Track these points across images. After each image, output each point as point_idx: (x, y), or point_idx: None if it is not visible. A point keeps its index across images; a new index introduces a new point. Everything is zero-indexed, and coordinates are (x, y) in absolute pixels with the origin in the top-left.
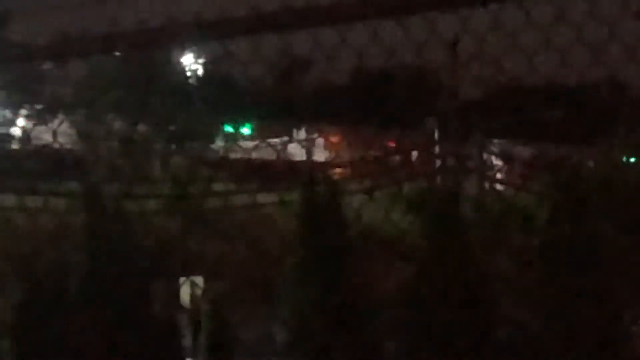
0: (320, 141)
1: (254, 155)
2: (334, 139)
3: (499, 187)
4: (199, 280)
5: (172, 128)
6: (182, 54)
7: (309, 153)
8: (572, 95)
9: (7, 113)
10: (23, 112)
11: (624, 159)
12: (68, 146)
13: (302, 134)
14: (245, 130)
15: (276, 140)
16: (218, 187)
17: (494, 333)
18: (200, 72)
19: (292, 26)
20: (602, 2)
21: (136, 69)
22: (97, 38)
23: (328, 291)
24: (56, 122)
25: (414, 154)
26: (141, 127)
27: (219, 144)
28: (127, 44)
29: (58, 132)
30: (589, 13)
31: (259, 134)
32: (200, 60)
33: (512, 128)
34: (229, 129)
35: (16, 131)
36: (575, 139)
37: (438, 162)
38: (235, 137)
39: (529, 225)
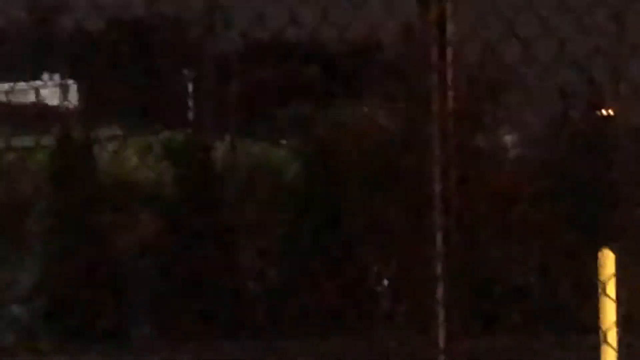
0: (74, 86)
1: (7, 99)
2: (90, 84)
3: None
4: None
5: None
6: None
7: (64, 98)
8: (329, 52)
9: None
10: None
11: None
12: None
13: (56, 78)
14: None
15: (29, 84)
16: None
17: (238, 284)
18: None
19: None
20: None
21: None
22: None
23: (78, 237)
24: None
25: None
26: None
27: None
28: None
29: None
30: None
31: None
32: None
33: (270, 82)
34: None
35: None
36: (329, 96)
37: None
38: None
39: (279, 179)
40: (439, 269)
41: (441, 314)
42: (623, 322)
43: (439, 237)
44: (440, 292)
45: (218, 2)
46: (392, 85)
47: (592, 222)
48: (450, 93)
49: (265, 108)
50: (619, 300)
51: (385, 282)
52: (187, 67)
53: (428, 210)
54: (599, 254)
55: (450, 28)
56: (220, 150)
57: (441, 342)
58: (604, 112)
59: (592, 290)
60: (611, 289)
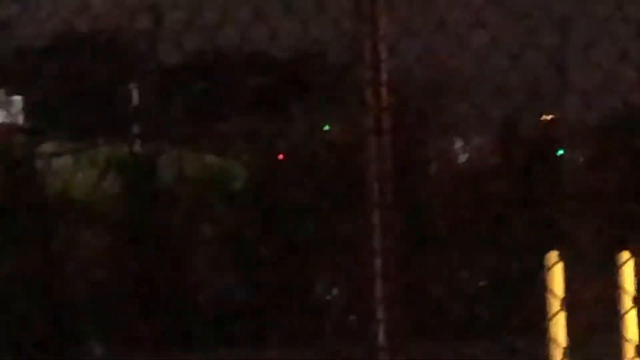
0: (19, 102)
1: None
2: (34, 100)
3: (204, 154)
4: None
5: None
6: None
7: (9, 114)
8: (274, 64)
9: None
10: None
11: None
12: None
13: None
14: None
15: None
16: None
17: (193, 299)
18: None
19: None
20: None
21: None
22: None
23: (23, 252)
24: None
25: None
26: None
27: None
28: None
29: None
30: None
31: None
32: None
33: (226, 94)
34: None
35: None
36: (275, 108)
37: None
38: None
39: (230, 192)
40: (377, 266)
41: (380, 313)
42: (569, 324)
43: (376, 235)
44: (379, 290)
45: (160, 12)
46: (335, 88)
47: (538, 225)
48: (384, 89)
49: (210, 119)
50: (566, 303)
51: (335, 290)
52: (132, 79)
53: (367, 209)
54: (546, 257)
55: (383, 23)
56: (165, 162)
57: (381, 341)
58: (548, 116)
59: (539, 294)
60: (558, 291)
